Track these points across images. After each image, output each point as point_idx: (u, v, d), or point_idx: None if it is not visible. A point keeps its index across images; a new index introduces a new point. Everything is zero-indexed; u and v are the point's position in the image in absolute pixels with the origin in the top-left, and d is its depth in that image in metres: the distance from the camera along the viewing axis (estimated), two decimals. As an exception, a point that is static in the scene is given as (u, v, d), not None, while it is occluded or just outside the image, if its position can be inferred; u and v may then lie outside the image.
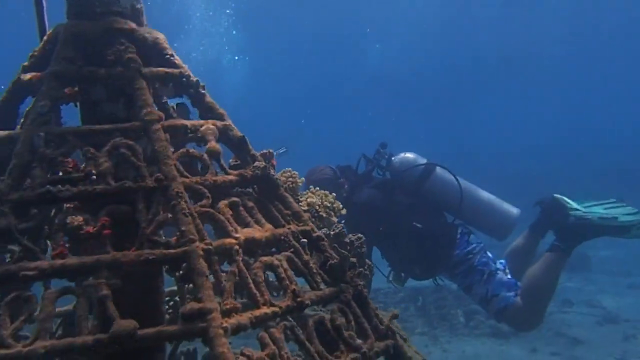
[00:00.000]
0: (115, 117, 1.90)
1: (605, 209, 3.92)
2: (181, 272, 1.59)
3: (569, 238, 3.87)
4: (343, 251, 1.85)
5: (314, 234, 1.91)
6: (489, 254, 4.13)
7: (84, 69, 1.80)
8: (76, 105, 1.96)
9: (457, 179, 4.18)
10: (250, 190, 1.97)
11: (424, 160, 4.35)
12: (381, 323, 1.81)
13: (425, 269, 4.09)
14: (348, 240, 1.97)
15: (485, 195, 4.43)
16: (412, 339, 2.22)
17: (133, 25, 1.91)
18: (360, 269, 1.90)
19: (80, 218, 1.58)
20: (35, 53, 1.90)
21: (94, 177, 1.64)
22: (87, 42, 1.85)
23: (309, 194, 2.57)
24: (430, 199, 4.16)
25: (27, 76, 1.84)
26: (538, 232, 4.32)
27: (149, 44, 1.93)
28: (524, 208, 4.52)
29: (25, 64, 1.89)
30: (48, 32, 1.92)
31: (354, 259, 1.89)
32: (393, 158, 4.32)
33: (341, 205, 2.56)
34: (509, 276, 3.99)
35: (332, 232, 1.98)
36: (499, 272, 4.00)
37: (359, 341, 1.69)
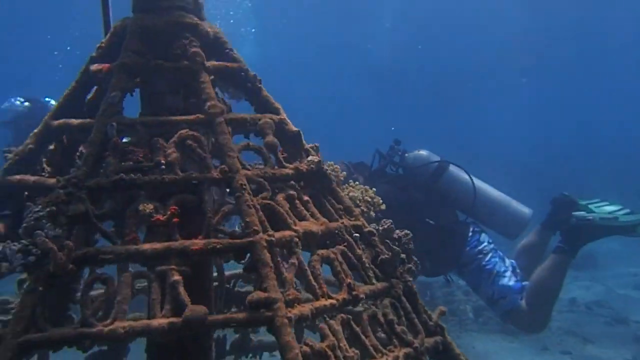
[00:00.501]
0: (175, 109, 1.94)
1: (597, 207, 3.96)
2: (246, 261, 1.64)
3: (572, 239, 3.91)
4: (395, 247, 1.89)
5: (365, 229, 1.95)
6: (500, 254, 4.19)
7: (152, 61, 1.84)
8: (132, 94, 2.00)
9: (471, 178, 4.23)
10: (294, 183, 2.01)
11: (437, 158, 4.40)
12: (430, 319, 1.86)
13: (435, 266, 4.15)
14: (396, 236, 2.01)
15: (497, 194, 4.48)
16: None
17: (196, 19, 1.95)
18: (410, 265, 1.94)
19: (151, 206, 1.63)
20: (102, 45, 1.95)
21: (163, 166, 1.69)
22: (154, 35, 1.89)
23: (350, 187, 2.61)
24: (443, 196, 4.22)
25: (95, 67, 1.89)
26: (548, 230, 4.37)
27: (210, 37, 1.96)
28: (542, 206, 4.57)
29: (93, 54, 1.93)
30: (114, 25, 1.96)
31: (403, 255, 1.94)
32: (406, 154, 4.38)
33: (381, 201, 2.60)
34: (518, 277, 4.05)
35: (381, 228, 2.02)
36: (507, 273, 4.04)
37: (410, 336, 1.73)
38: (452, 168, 4.28)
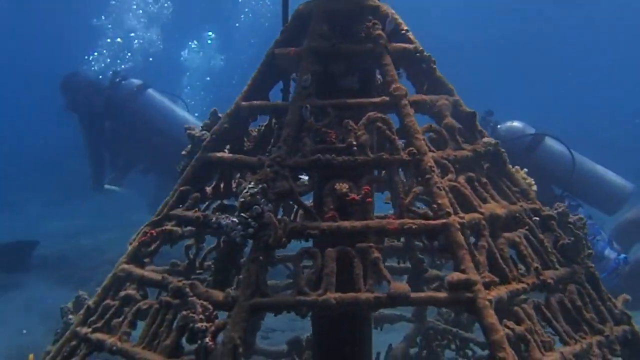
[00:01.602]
0: (350, 90, 1.89)
1: None
2: (438, 243, 1.59)
3: None
4: (578, 232, 1.74)
5: (543, 213, 1.82)
6: (597, 228, 3.88)
7: (337, 44, 1.80)
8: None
9: (570, 151, 3.94)
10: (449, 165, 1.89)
11: (532, 130, 4.13)
12: (615, 306, 1.71)
13: None
14: (572, 221, 1.85)
15: (598, 168, 4.17)
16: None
17: (377, 1, 1.86)
18: (590, 251, 1.79)
19: (346, 185, 1.63)
20: (286, 29, 1.94)
21: (355, 148, 1.66)
22: (337, 18, 1.84)
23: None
24: (538, 170, 3.97)
25: (282, 50, 1.89)
26: None
27: (389, 19, 1.88)
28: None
29: (278, 38, 1.94)
30: (297, 9, 1.93)
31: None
32: (499, 126, 4.13)
33: (533, 182, 2.42)
34: (615, 254, 3.74)
35: (554, 212, 1.87)
36: (605, 252, 3.77)
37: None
38: (549, 140, 4.02)
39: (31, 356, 1.95)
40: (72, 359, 1.64)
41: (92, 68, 7.76)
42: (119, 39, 8.73)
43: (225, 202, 1.96)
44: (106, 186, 6.27)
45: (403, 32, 1.91)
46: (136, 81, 5.98)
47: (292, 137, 1.69)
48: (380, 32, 1.79)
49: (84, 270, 7.59)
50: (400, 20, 1.93)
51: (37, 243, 6.94)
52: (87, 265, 7.74)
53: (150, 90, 5.91)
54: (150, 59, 9.06)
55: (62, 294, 6.65)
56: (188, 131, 2.26)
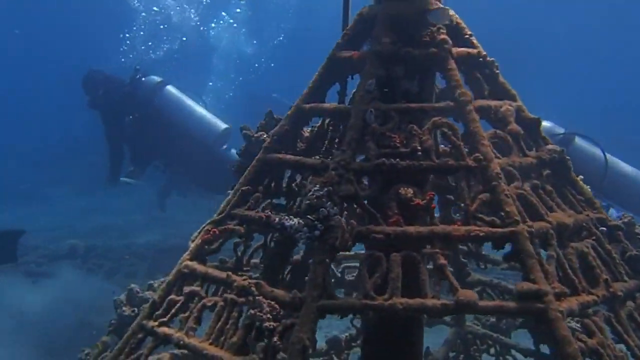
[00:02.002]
0: (409, 94, 1.89)
1: None
2: (509, 251, 1.57)
3: None
4: (648, 245, 1.70)
5: (610, 223, 1.78)
6: None
7: (402, 49, 1.79)
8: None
9: (603, 151, 3.83)
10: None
11: (561, 130, 4.04)
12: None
13: None
14: (638, 231, 1.81)
15: (629, 168, 4.05)
16: None
17: (441, 5, 1.85)
18: (659, 264, 1.74)
19: (411, 190, 1.62)
20: (348, 32, 1.94)
21: (419, 153, 1.66)
22: (401, 22, 1.83)
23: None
24: None
25: (344, 54, 1.90)
26: None
27: (453, 24, 1.87)
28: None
29: (339, 41, 1.94)
30: (360, 12, 1.94)
31: (653, 253, 1.74)
32: None
33: (589, 188, 2.37)
34: None
35: (621, 222, 1.83)
36: None
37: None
38: (579, 141, 3.92)
39: (98, 344, 2.02)
40: (140, 352, 1.68)
41: (122, 48, 7.71)
42: (155, 8, 8.69)
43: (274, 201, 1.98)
44: (122, 179, 6.36)
45: (467, 36, 1.90)
46: (156, 78, 6.06)
47: (355, 140, 1.70)
48: (444, 36, 1.78)
49: (111, 262, 7.82)
50: (464, 25, 1.91)
51: (23, 232, 6.92)
52: (114, 257, 7.97)
53: (169, 87, 5.98)
54: (184, 39, 9.06)
55: (91, 283, 6.84)
56: (244, 131, 2.29)
